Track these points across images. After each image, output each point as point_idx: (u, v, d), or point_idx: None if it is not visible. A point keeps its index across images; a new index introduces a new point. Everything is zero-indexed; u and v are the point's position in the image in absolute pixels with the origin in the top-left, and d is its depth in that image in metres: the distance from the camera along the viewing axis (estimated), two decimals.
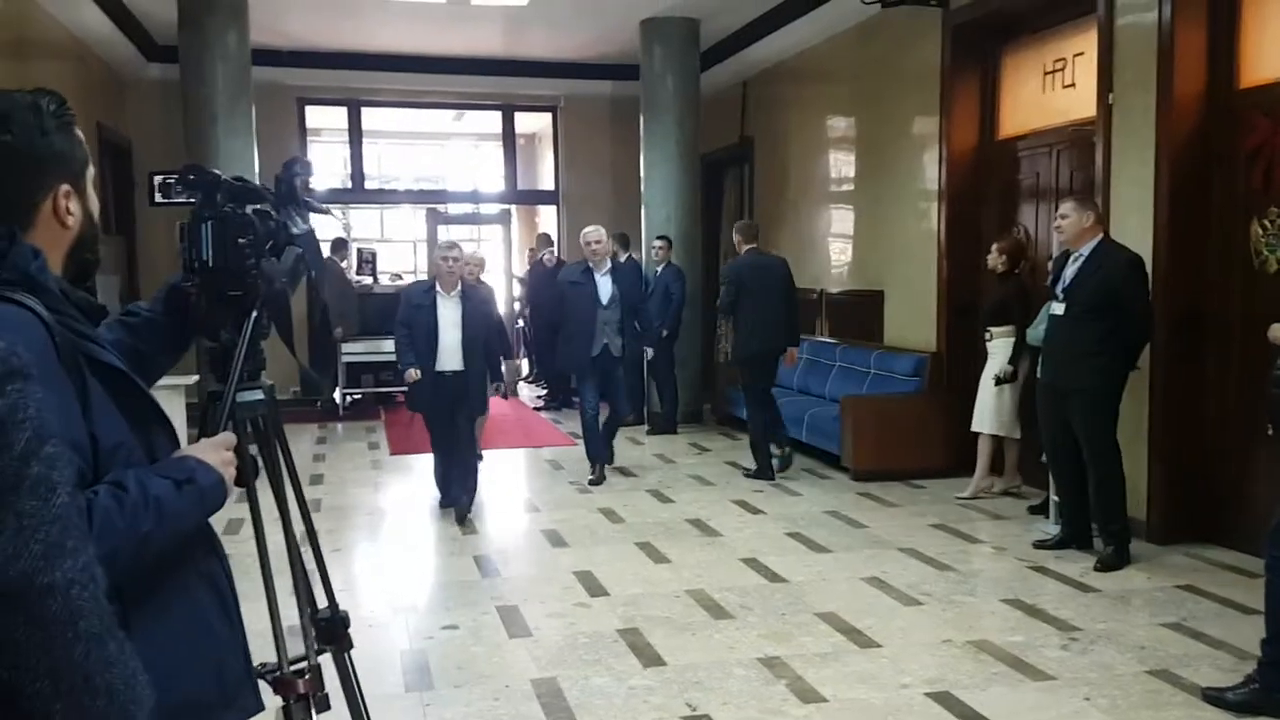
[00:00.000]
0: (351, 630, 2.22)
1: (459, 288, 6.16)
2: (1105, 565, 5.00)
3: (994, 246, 6.30)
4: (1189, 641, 4.07)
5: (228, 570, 1.66)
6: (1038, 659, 3.92)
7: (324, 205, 2.14)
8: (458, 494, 6.24)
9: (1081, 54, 6.21)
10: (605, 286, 7.21)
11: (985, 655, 3.98)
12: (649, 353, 8.16)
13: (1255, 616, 3.87)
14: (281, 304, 1.95)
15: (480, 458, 7.02)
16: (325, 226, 9.18)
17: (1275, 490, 3.63)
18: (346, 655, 2.16)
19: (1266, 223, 4.97)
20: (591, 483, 7.06)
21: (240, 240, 1.84)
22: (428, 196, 13.98)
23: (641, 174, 9.93)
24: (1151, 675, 3.75)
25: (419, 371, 6.09)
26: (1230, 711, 3.41)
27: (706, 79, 10.11)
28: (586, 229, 7.42)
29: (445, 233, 12.08)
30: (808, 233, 9.43)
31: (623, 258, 9.69)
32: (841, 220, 8.93)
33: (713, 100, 10.55)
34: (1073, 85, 6.36)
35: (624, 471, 7.52)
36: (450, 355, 6.12)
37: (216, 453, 1.58)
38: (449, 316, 6.12)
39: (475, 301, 6.23)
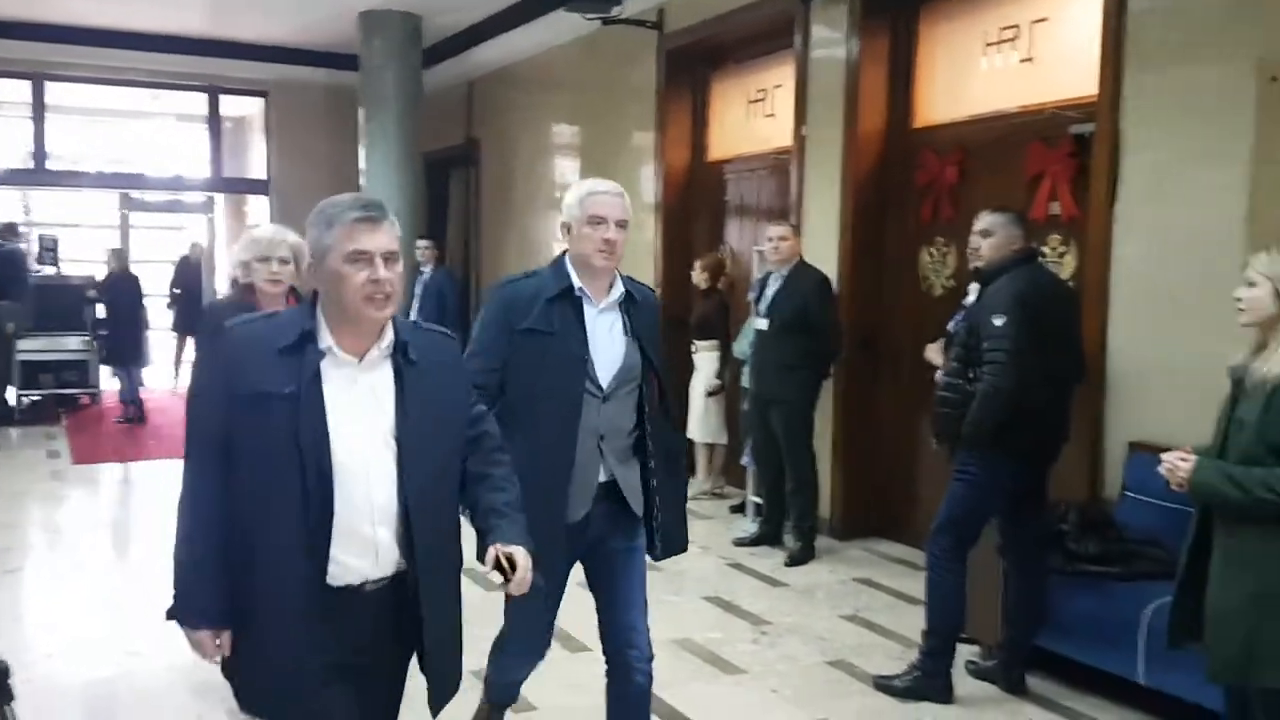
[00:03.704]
0: (28, 661, 2.05)
1: (392, 336, 2.04)
2: (794, 560, 5.43)
3: (696, 264, 6.64)
4: (864, 632, 4.50)
5: None
6: (732, 654, 4.21)
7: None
8: None
9: (780, 86, 6.67)
10: (610, 337, 2.81)
11: (686, 653, 4.22)
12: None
13: (920, 607, 4.30)
14: None
15: None
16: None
17: (937, 493, 4.06)
18: (7, 709, 2.00)
19: (934, 251, 5.57)
20: None
21: None
22: (121, 180, 12.92)
23: (362, 169, 9.65)
24: (831, 665, 4.12)
25: (225, 639, 2.02)
26: (897, 697, 3.80)
27: (430, 76, 9.96)
28: (596, 185, 2.81)
29: (140, 221, 11.06)
30: (533, 238, 9.53)
31: None
32: None
33: (437, 98, 10.41)
34: (773, 115, 6.82)
35: None
36: (372, 535, 2.00)
37: None
38: (366, 413, 2.01)
39: (432, 365, 2.10)
